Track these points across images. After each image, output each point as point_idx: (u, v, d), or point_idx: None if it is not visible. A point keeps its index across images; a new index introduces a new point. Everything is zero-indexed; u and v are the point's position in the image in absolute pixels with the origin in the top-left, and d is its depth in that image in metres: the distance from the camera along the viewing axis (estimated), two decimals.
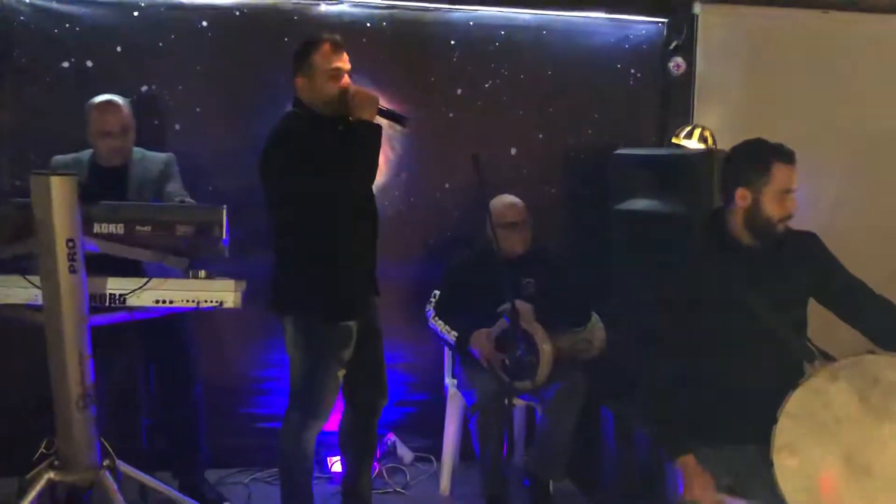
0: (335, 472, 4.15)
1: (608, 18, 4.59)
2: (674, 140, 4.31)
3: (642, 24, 4.64)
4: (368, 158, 3.11)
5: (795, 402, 2.46)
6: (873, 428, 2.42)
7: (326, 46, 3.14)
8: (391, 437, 4.50)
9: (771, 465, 2.46)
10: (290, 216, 3.17)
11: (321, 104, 3.15)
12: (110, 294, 3.02)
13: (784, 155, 2.67)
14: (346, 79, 3.16)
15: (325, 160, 3.04)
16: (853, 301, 2.73)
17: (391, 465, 4.42)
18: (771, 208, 2.65)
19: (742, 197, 2.68)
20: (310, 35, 3.23)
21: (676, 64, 4.54)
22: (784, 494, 2.43)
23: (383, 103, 3.17)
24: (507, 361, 3.76)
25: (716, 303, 2.66)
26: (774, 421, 2.47)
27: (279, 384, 4.30)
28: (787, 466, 2.44)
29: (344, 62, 3.17)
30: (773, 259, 2.71)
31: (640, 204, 4.13)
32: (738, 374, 2.64)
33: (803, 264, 2.74)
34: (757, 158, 2.69)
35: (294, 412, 3.33)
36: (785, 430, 2.45)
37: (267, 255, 3.33)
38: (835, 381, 2.46)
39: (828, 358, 2.56)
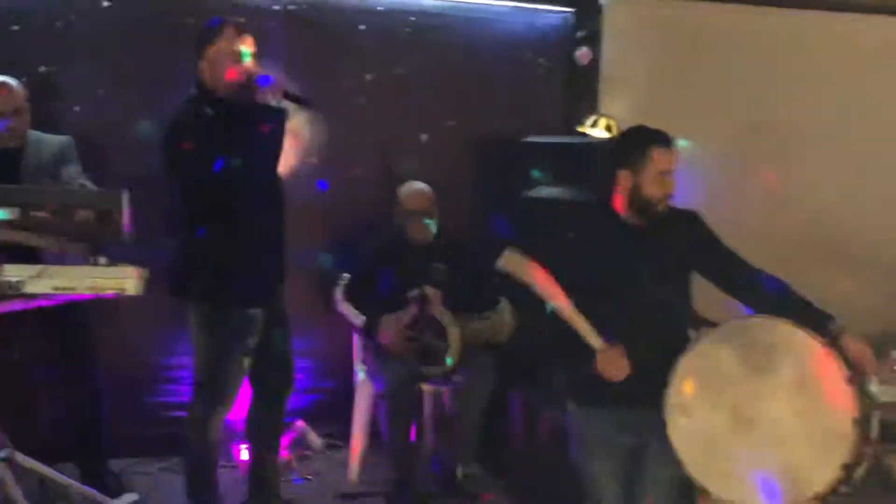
0: (242, 461, 4.11)
1: (516, 7, 4.64)
2: (580, 129, 4.39)
3: (550, 13, 4.71)
4: (272, 143, 3.08)
5: (685, 365, 2.68)
6: (754, 384, 2.62)
7: (230, 29, 3.09)
8: (300, 425, 4.47)
9: (665, 424, 2.66)
10: (193, 201, 3.13)
11: (224, 88, 3.10)
12: (6, 281, 2.93)
13: (661, 139, 2.83)
14: (250, 62, 3.12)
15: (228, 145, 3.00)
16: (731, 273, 2.90)
17: (300, 452, 4.40)
18: (650, 189, 2.81)
19: (624, 178, 2.83)
20: (214, 17, 3.18)
21: (583, 53, 4.61)
22: (678, 450, 2.64)
23: (288, 87, 3.14)
24: (417, 347, 3.81)
25: (608, 277, 2.81)
26: (667, 383, 2.67)
27: (187, 372, 4.23)
28: (679, 424, 2.65)
29: (248, 45, 3.13)
30: (656, 235, 2.86)
31: (547, 191, 4.19)
32: (633, 342, 2.76)
33: (685, 239, 2.90)
34: (636, 143, 2.86)
35: (199, 400, 3.29)
36: (676, 390, 2.66)
37: (172, 240, 3.28)
38: (719, 345, 2.68)
39: (710, 324, 2.77)
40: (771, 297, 2.80)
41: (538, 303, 2.83)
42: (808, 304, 2.78)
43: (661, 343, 2.74)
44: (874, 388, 2.81)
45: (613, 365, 2.69)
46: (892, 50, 5.04)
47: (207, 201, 3.09)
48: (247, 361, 3.26)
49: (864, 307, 4.71)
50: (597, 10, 4.67)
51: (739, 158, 4.87)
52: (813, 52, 4.95)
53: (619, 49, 4.72)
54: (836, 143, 4.99)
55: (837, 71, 4.98)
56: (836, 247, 4.92)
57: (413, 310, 3.87)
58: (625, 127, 4.24)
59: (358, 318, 4.01)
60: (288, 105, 3.11)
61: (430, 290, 3.92)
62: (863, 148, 5.03)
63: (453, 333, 3.82)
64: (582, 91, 4.68)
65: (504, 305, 4.10)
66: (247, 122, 3.04)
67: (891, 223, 5.01)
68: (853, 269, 4.89)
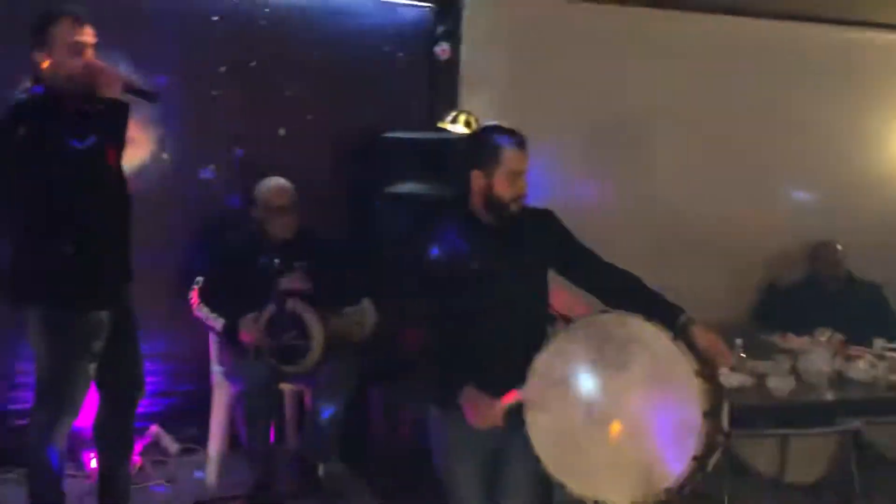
0: (93, 469, 3.94)
1: (375, 0, 4.59)
2: (441, 125, 4.39)
3: (409, 8, 4.69)
4: (114, 138, 2.95)
5: (542, 363, 2.67)
6: (609, 381, 2.63)
7: (67, 19, 2.94)
8: (155, 429, 4.33)
9: (524, 422, 2.65)
10: (30, 199, 2.97)
11: (63, 81, 2.95)
12: None
13: (512, 140, 2.81)
14: (89, 54, 2.98)
15: (66, 141, 2.86)
16: (585, 268, 2.93)
17: (155, 457, 4.25)
18: (503, 189, 2.78)
19: (477, 179, 2.81)
20: (50, 7, 3.01)
21: (442, 49, 4.61)
22: (536, 448, 2.63)
23: (130, 79, 3.01)
24: (277, 346, 3.74)
25: (466, 277, 2.78)
26: (524, 381, 2.66)
27: (30, 378, 4.02)
28: (537, 422, 2.65)
29: (87, 36, 2.98)
30: (511, 234, 2.86)
31: (408, 187, 4.17)
32: (493, 341, 2.77)
33: (540, 238, 2.91)
34: (487, 144, 2.82)
35: (41, 409, 3.14)
36: (534, 388, 2.65)
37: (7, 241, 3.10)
38: (574, 341, 2.68)
39: (567, 320, 2.79)
40: (623, 291, 2.85)
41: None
42: (659, 296, 2.82)
43: (520, 342, 2.73)
44: (721, 376, 2.90)
45: (484, 419, 2.65)
46: (740, 48, 5.23)
47: (44, 200, 2.94)
48: (92, 367, 3.11)
49: (713, 296, 4.94)
50: (456, 7, 4.67)
51: (597, 153, 4.98)
52: (668, 49, 5.10)
53: (479, 45, 4.74)
54: (689, 139, 5.16)
55: (691, 67, 5.15)
56: (687, 238, 5.09)
57: (272, 308, 3.79)
58: (485, 123, 4.33)
59: (217, 322, 3.90)
60: (130, 99, 2.98)
61: (289, 283, 3.86)
62: (714, 144, 5.22)
63: (315, 331, 3.76)
64: (442, 87, 4.68)
65: (366, 303, 4.07)
66: (86, 118, 2.91)
67: (737, 214, 5.22)
68: (703, 259, 5.07)
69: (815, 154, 5.39)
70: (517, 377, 2.66)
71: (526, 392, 2.64)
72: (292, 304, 3.79)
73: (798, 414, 3.66)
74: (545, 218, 2.96)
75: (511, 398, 2.63)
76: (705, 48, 5.18)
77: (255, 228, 4.07)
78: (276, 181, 4.09)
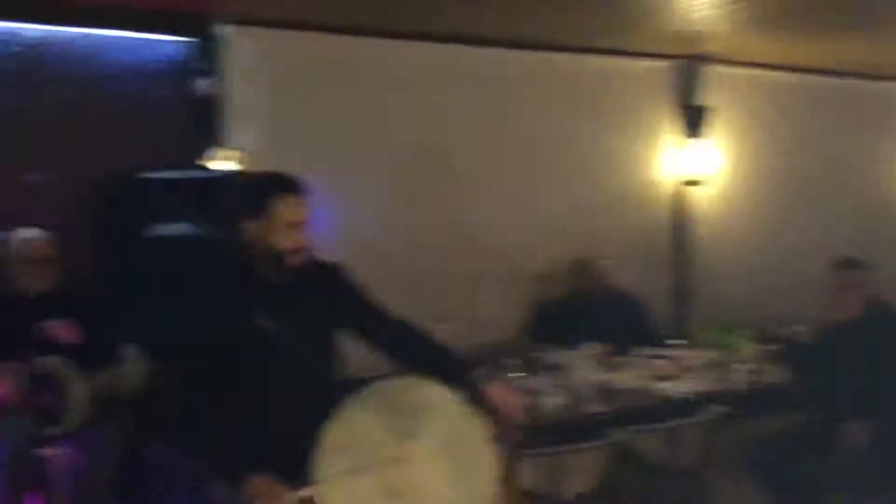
0: None
1: (132, 37, 4.43)
2: (204, 162, 4.27)
3: (168, 44, 4.56)
4: None
5: (330, 435, 2.45)
6: (402, 450, 2.45)
7: None
8: None
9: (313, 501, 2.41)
10: None
11: None
12: None
13: (289, 188, 2.60)
14: None
15: None
16: (374, 328, 2.75)
17: None
18: (279, 241, 2.56)
19: (251, 230, 2.58)
20: None
21: (203, 85, 4.50)
22: None
23: None
24: (32, 406, 3.50)
25: (241, 336, 2.55)
26: (311, 454, 2.42)
27: None
28: (330, 500, 2.39)
29: None
30: (293, 291, 2.64)
31: (169, 229, 4.04)
32: (277, 408, 2.56)
33: (325, 296, 2.71)
34: (261, 193, 2.59)
35: None
36: (323, 464, 2.41)
37: None
38: (363, 410, 2.49)
39: (359, 384, 2.55)
40: (415, 351, 2.71)
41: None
42: (452, 354, 2.70)
43: (305, 410, 2.48)
44: None
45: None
46: (508, 78, 5.42)
47: None
48: None
49: (487, 316, 5.08)
50: (217, 41, 4.57)
51: (372, 185, 5.01)
52: (434, 81, 5.22)
53: (244, 79, 4.66)
54: (459, 167, 5.29)
55: (460, 98, 5.28)
56: (461, 260, 5.19)
57: (25, 368, 3.54)
58: (253, 159, 4.25)
59: None
60: None
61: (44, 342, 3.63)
62: (483, 171, 5.38)
63: (74, 390, 3.56)
64: (204, 123, 4.54)
65: (132, 354, 3.88)
66: None
67: (507, 236, 5.40)
68: (476, 280, 5.20)
69: (574, 174, 5.65)
70: (303, 449, 2.41)
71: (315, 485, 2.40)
72: (47, 362, 3.56)
73: (570, 428, 3.73)
74: (332, 273, 2.76)
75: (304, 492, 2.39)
76: (472, 79, 5.32)
77: (7, 283, 3.80)
78: (30, 233, 3.86)
